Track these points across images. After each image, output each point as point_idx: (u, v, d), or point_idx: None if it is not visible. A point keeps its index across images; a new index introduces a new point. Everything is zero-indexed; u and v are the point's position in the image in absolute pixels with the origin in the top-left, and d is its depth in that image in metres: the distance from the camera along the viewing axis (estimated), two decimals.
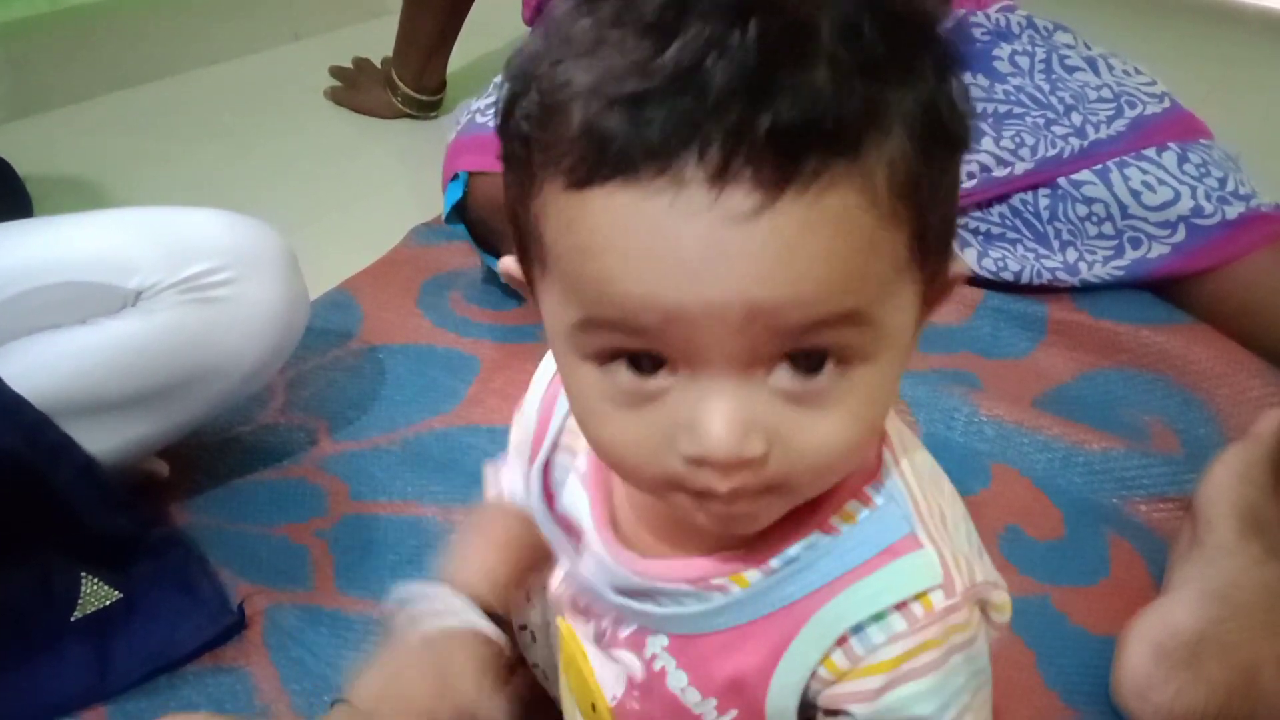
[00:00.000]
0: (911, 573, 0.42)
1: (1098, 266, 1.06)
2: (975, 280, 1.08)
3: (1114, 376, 0.99)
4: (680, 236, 0.34)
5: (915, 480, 0.45)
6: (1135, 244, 1.04)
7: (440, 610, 0.55)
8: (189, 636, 0.73)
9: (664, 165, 0.34)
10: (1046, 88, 1.09)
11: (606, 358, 0.38)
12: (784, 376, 0.37)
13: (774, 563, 0.44)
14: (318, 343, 1.04)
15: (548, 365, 0.53)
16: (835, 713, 0.44)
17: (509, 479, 0.60)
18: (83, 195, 1.35)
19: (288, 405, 0.97)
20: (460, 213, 1.07)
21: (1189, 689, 0.65)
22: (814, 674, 0.43)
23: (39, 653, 0.72)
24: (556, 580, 0.54)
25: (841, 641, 0.42)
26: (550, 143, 0.36)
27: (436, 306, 1.12)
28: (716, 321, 0.35)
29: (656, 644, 0.48)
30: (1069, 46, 1.12)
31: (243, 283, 0.79)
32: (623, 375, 0.38)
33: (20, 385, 0.73)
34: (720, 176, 0.33)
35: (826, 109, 0.33)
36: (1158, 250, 1.03)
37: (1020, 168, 1.05)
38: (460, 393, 0.99)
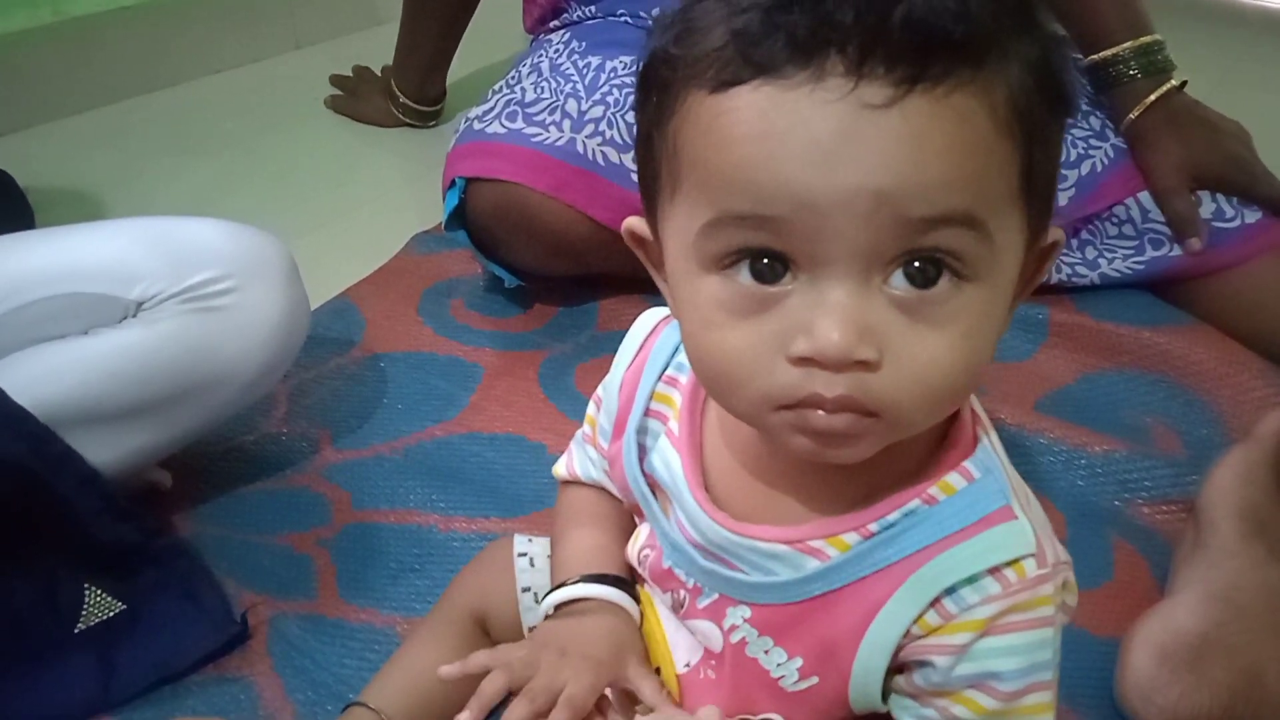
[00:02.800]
0: (1007, 540, 0.44)
1: (1117, 262, 1.06)
2: None
3: (1116, 378, 0.99)
4: (817, 123, 0.37)
5: (1004, 454, 0.47)
6: (1156, 244, 1.05)
7: (571, 597, 0.56)
8: (193, 646, 0.73)
9: (805, 62, 0.37)
10: None
11: (730, 261, 0.40)
12: (900, 284, 0.39)
13: (873, 527, 0.45)
14: (319, 351, 1.04)
15: (625, 352, 0.56)
16: (917, 664, 0.46)
17: (576, 461, 0.62)
18: (84, 206, 1.35)
19: (290, 414, 0.97)
20: (460, 219, 1.08)
21: (1193, 691, 0.65)
22: (906, 632, 0.45)
23: (43, 663, 0.72)
24: (637, 546, 0.55)
25: (935, 602, 0.44)
26: (696, 57, 0.39)
27: (438, 314, 1.12)
28: (844, 209, 0.37)
29: (737, 615, 0.49)
30: (1077, 53, 1.13)
31: (244, 292, 0.79)
32: (744, 280, 0.40)
33: (23, 396, 0.73)
34: (857, 70, 0.36)
35: (958, 20, 0.36)
36: (1179, 249, 1.03)
37: (1063, 196, 1.04)
38: (462, 400, 0.99)
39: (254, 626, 0.76)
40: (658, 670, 0.53)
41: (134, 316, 0.77)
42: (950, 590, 0.44)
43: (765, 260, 0.39)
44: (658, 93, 0.42)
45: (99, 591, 0.76)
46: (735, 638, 0.49)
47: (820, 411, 0.39)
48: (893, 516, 0.45)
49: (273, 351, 0.81)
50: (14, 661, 0.72)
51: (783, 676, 0.49)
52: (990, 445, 0.47)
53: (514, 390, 1.00)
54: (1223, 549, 0.73)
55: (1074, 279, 1.07)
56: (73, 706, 0.70)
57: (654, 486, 0.53)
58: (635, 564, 0.56)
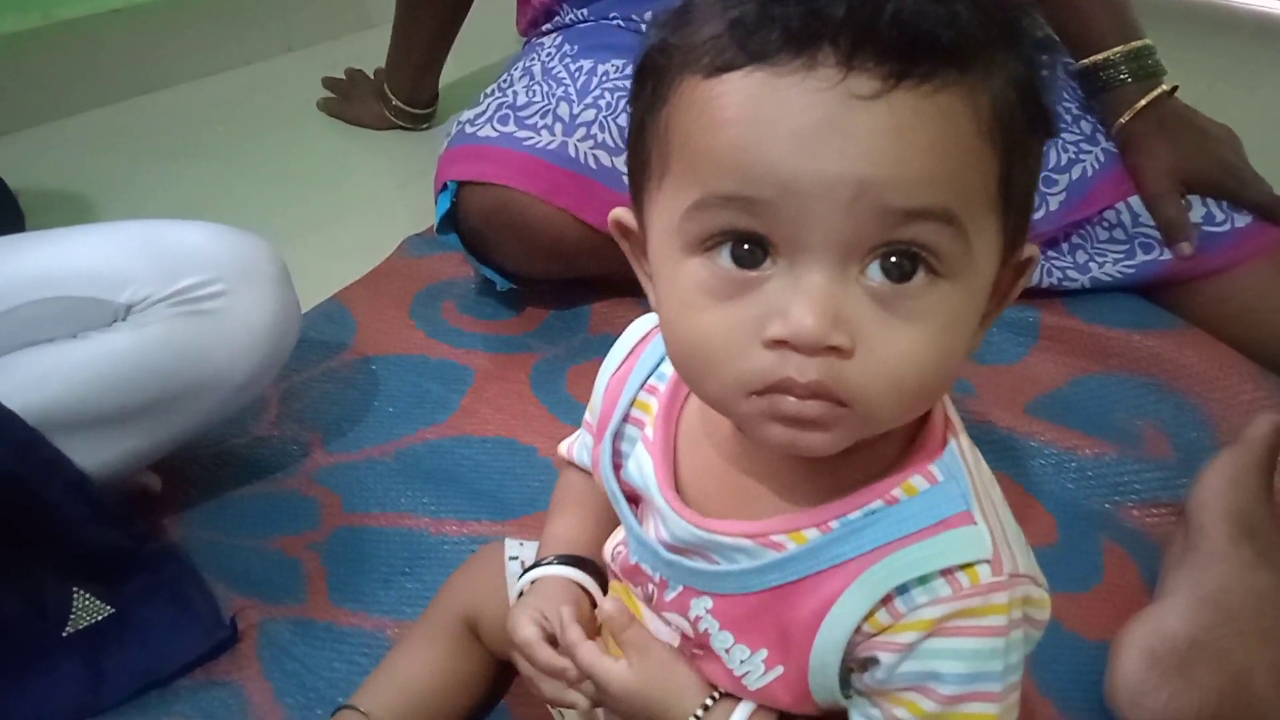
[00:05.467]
0: (963, 544, 0.44)
1: (1108, 266, 1.06)
2: None
3: (1106, 381, 0.99)
4: (805, 110, 0.38)
5: (973, 463, 0.47)
6: (1147, 248, 1.05)
7: (545, 575, 0.59)
8: (182, 651, 0.73)
9: (798, 51, 0.38)
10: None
11: (712, 243, 0.41)
12: (877, 276, 0.39)
13: (834, 524, 0.46)
14: (311, 354, 1.04)
15: (614, 357, 0.57)
16: (868, 662, 0.46)
17: (577, 448, 0.63)
18: (74, 209, 1.35)
19: (281, 417, 0.97)
20: (452, 222, 1.07)
21: (1182, 695, 0.65)
22: (858, 629, 0.45)
23: (31, 668, 0.72)
24: (613, 544, 0.57)
25: (886, 600, 0.44)
26: (692, 44, 0.41)
27: (429, 317, 1.12)
28: (826, 196, 0.38)
29: (701, 606, 0.50)
30: (1068, 58, 1.13)
31: (234, 295, 0.79)
32: (724, 263, 0.41)
33: (11, 400, 0.73)
34: (848, 62, 0.37)
35: (946, 24, 0.38)
36: (1169, 254, 1.03)
37: (1054, 201, 1.05)
38: (453, 403, 0.99)
39: (243, 630, 0.76)
40: None
41: (123, 320, 0.77)
42: (902, 590, 0.44)
43: (746, 246, 0.40)
44: (653, 80, 0.43)
45: (87, 596, 0.76)
46: (702, 628, 0.50)
47: (791, 398, 0.40)
48: (854, 515, 0.45)
49: (263, 355, 0.81)
50: (2, 666, 0.71)
51: (746, 674, 0.49)
52: (958, 450, 0.47)
53: (505, 393, 1.00)
54: (1212, 552, 0.73)
55: (1064, 282, 1.07)
56: (61, 711, 0.70)
57: (630, 495, 0.54)
58: (609, 560, 0.56)
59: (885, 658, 0.45)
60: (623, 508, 0.53)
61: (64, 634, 0.74)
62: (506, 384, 1.01)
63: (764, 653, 0.48)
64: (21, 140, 1.53)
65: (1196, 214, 1.02)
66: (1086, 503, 0.86)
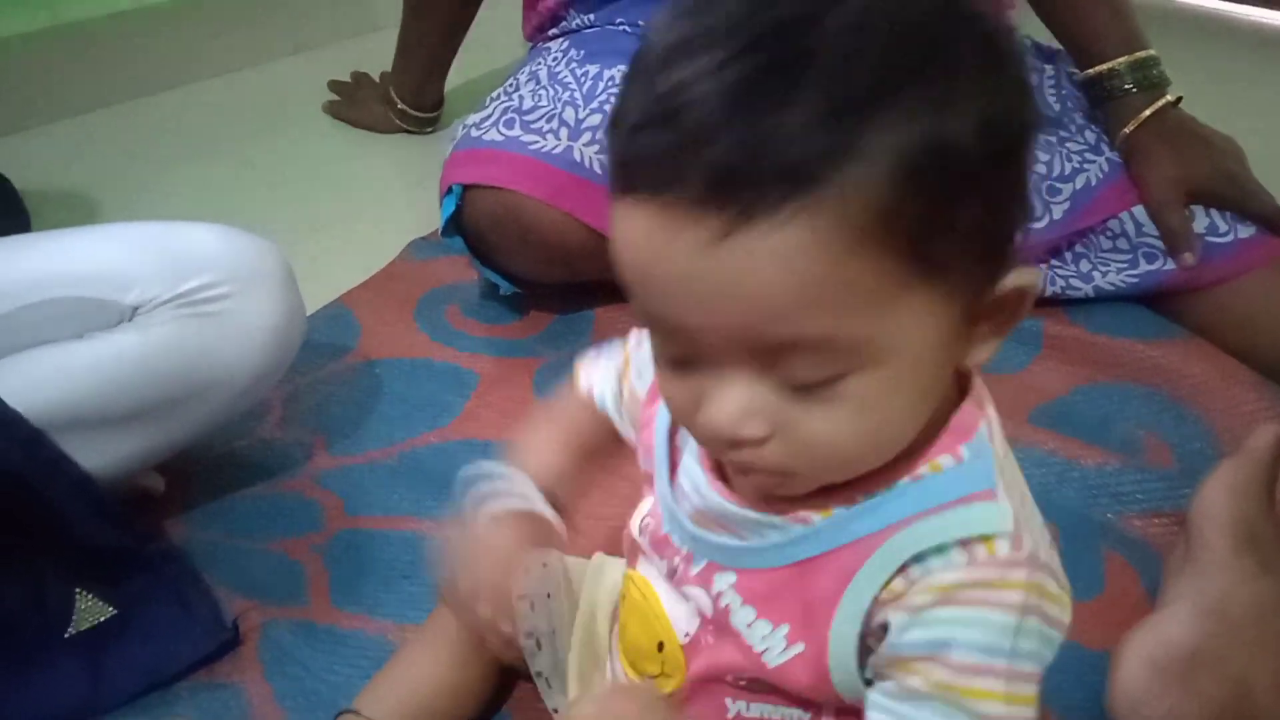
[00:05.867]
0: (982, 516, 0.44)
1: (1111, 275, 1.06)
2: None
3: (1109, 391, 0.99)
4: (669, 258, 0.38)
5: (1002, 451, 0.47)
6: (1150, 258, 1.05)
7: (505, 492, 0.61)
8: (183, 652, 0.73)
9: (655, 190, 0.38)
10: (1058, 106, 1.10)
11: None
12: (791, 371, 0.40)
13: (860, 499, 0.46)
14: (315, 357, 1.04)
15: None
16: (880, 631, 0.46)
17: (599, 379, 0.65)
18: (81, 210, 1.35)
19: (284, 420, 0.97)
20: (457, 226, 1.08)
21: (1183, 704, 0.65)
22: (875, 599, 0.45)
23: (32, 668, 0.72)
24: (640, 517, 0.56)
25: (903, 569, 0.44)
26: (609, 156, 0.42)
27: (434, 320, 1.12)
28: (712, 333, 0.40)
29: (724, 581, 0.50)
30: (1074, 68, 1.13)
31: (240, 297, 0.79)
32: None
33: (16, 400, 0.73)
34: (698, 205, 0.37)
35: (777, 152, 0.36)
36: (1173, 263, 1.03)
37: (1058, 210, 1.05)
38: (457, 407, 0.99)
39: (245, 633, 0.76)
40: (661, 646, 0.54)
41: (129, 321, 0.77)
42: (918, 558, 0.44)
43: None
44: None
45: (89, 597, 0.76)
46: (723, 603, 0.50)
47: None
48: (879, 491, 0.46)
49: (267, 357, 0.81)
50: (3, 665, 0.71)
51: (766, 650, 0.49)
52: (988, 435, 0.47)
53: (509, 397, 1.00)
54: (1214, 562, 0.73)
55: (1068, 291, 1.08)
56: (62, 711, 0.70)
57: (675, 455, 0.54)
58: (637, 535, 0.56)
59: (895, 619, 0.45)
60: (663, 472, 0.53)
61: (66, 634, 0.74)
62: (510, 388, 1.02)
63: (785, 628, 0.48)
64: (28, 140, 1.53)
65: (1200, 224, 1.02)
66: (1088, 512, 0.86)
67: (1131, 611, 0.76)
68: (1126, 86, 1.03)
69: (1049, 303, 1.08)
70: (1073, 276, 1.08)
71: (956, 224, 0.39)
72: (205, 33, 1.75)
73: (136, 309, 0.77)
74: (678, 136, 0.37)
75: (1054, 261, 1.08)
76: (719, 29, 0.37)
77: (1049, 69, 1.13)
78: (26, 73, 1.56)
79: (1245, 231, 1.02)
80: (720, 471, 0.50)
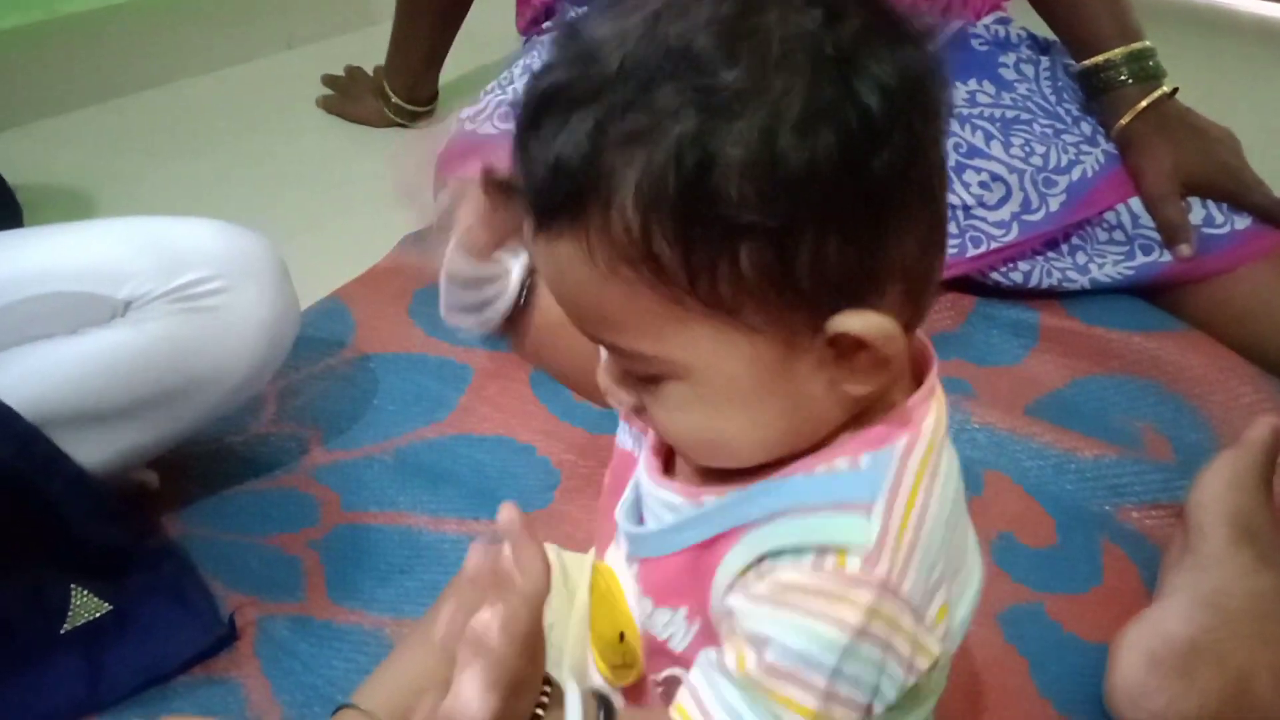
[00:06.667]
0: (846, 528, 0.43)
1: (1107, 268, 1.06)
2: (967, 286, 1.08)
3: (1106, 383, 0.99)
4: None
5: (913, 474, 0.44)
6: (1146, 250, 1.05)
7: None
8: (180, 648, 0.73)
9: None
10: (1054, 98, 1.10)
11: None
12: (622, 362, 0.44)
13: (753, 485, 0.45)
14: (309, 352, 1.04)
15: None
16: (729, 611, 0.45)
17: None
18: (74, 205, 1.35)
19: (279, 415, 0.97)
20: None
21: (1181, 697, 0.65)
22: (729, 585, 0.45)
23: (29, 664, 0.72)
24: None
25: (760, 560, 0.44)
26: None
27: (429, 315, 1.11)
28: None
29: (630, 571, 0.51)
30: (1069, 59, 1.13)
31: (233, 292, 0.79)
32: None
33: (10, 396, 0.73)
34: (528, 206, 0.42)
35: (556, 171, 0.39)
36: (1169, 255, 1.03)
37: (1054, 202, 1.04)
38: (453, 402, 0.99)
39: (242, 628, 0.76)
40: (621, 636, 0.53)
41: (122, 316, 0.77)
42: (775, 553, 0.43)
43: None
44: None
45: (86, 593, 0.76)
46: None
47: None
48: (774, 479, 0.45)
49: (262, 352, 0.81)
50: (2, 663, 0.71)
51: (670, 637, 0.49)
52: (901, 452, 0.44)
53: (505, 392, 1.00)
54: (1211, 555, 0.73)
55: (1064, 284, 1.07)
56: (60, 707, 0.70)
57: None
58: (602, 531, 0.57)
59: (736, 602, 0.44)
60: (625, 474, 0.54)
61: (62, 630, 0.74)
62: (506, 382, 1.01)
63: (684, 609, 0.48)
64: (20, 136, 1.53)
65: (1196, 216, 1.02)
66: (1086, 504, 0.86)
67: (1129, 604, 0.76)
68: (1122, 78, 1.03)
69: (1045, 295, 1.08)
70: (1069, 269, 1.07)
71: (734, 264, 0.39)
72: (199, 27, 1.74)
73: (130, 304, 0.77)
74: (523, 142, 0.41)
75: (1050, 254, 1.07)
76: (578, 43, 0.41)
77: (1044, 60, 1.13)
78: (20, 67, 1.55)
79: (1242, 223, 1.02)
80: (668, 457, 0.50)
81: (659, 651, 0.50)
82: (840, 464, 0.44)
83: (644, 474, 0.51)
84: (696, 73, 0.37)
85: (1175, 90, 1.03)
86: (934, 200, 0.43)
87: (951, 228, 1.05)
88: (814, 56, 0.38)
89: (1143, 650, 0.67)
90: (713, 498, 0.46)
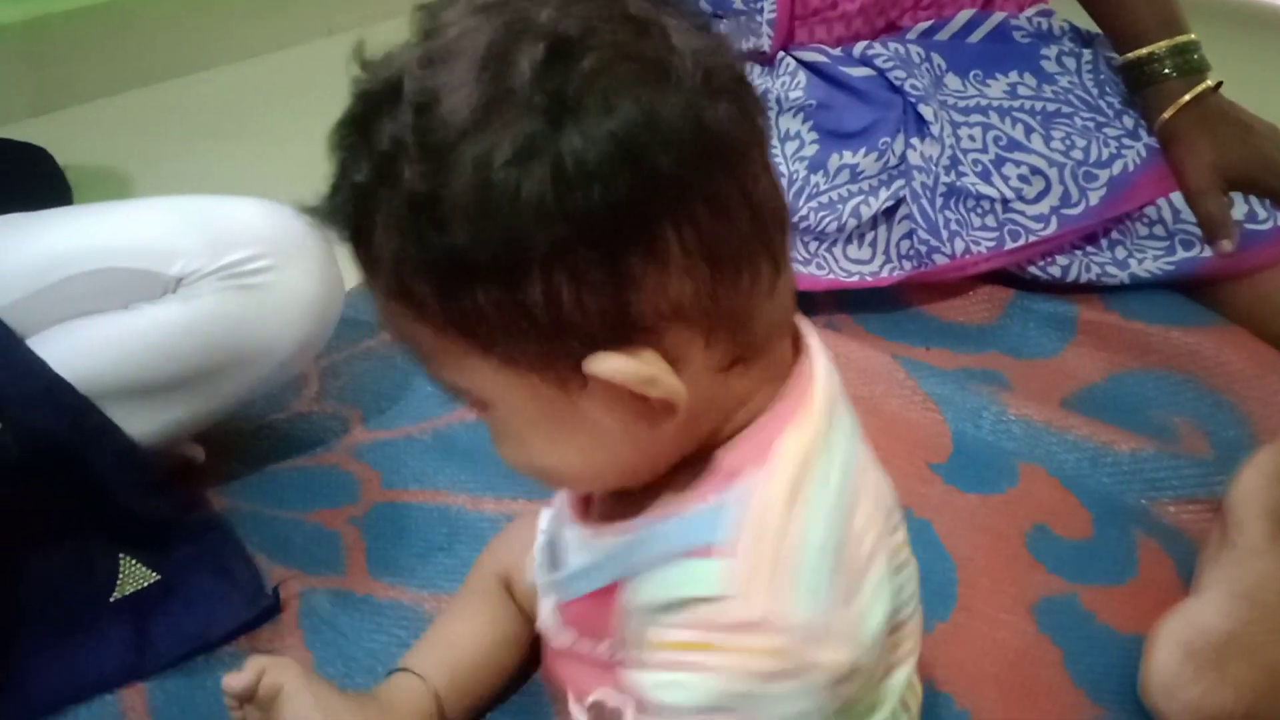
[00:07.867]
0: (711, 575, 0.41)
1: (1147, 263, 1.05)
2: (1005, 279, 1.08)
3: (1144, 377, 0.98)
4: None
5: (776, 507, 0.42)
6: (1187, 245, 1.04)
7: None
8: (225, 618, 0.75)
9: None
10: (1095, 91, 1.09)
11: None
12: None
13: (639, 531, 0.45)
14: (352, 332, 1.05)
15: None
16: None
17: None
18: (120, 185, 1.37)
19: (322, 393, 0.99)
20: None
21: (1216, 689, 0.65)
22: (629, 639, 0.46)
23: (80, 630, 0.73)
24: None
25: (644, 613, 0.44)
26: None
27: None
28: None
29: (550, 603, 0.54)
30: (1112, 53, 1.12)
31: (281, 270, 0.80)
32: None
33: (63, 369, 0.74)
34: None
35: (337, 210, 0.42)
36: (1210, 251, 1.03)
37: (1094, 196, 1.04)
38: None
39: (285, 601, 0.77)
40: None
41: (173, 293, 0.78)
42: (653, 609, 0.43)
43: None
44: None
45: (134, 562, 0.78)
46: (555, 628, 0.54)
47: None
48: (654, 521, 0.44)
49: (307, 329, 0.82)
50: (51, 628, 0.73)
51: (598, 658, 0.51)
52: (758, 481, 0.42)
53: None
54: (1249, 549, 0.73)
55: (1103, 278, 1.07)
56: (109, 672, 0.72)
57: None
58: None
59: (633, 669, 0.45)
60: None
61: (111, 599, 0.75)
62: None
63: (606, 642, 0.49)
64: (69, 117, 1.55)
65: (1238, 211, 1.01)
66: (1122, 498, 0.86)
67: (1165, 597, 0.76)
68: (1166, 71, 1.03)
69: (1084, 289, 1.07)
70: (1108, 264, 1.07)
71: (474, 302, 0.39)
72: (243, 14, 1.76)
73: (180, 281, 0.78)
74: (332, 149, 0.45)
75: (1089, 248, 1.07)
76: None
77: (1087, 53, 1.12)
78: (69, 51, 1.58)
79: None
80: (589, 510, 0.50)
81: (596, 666, 0.50)
82: (694, 507, 0.43)
83: (559, 512, 0.52)
84: (425, 113, 0.39)
85: (1219, 84, 1.03)
86: (730, 239, 0.39)
87: (990, 220, 1.05)
88: (536, 98, 0.37)
89: (1178, 642, 0.67)
90: (611, 538, 0.46)
